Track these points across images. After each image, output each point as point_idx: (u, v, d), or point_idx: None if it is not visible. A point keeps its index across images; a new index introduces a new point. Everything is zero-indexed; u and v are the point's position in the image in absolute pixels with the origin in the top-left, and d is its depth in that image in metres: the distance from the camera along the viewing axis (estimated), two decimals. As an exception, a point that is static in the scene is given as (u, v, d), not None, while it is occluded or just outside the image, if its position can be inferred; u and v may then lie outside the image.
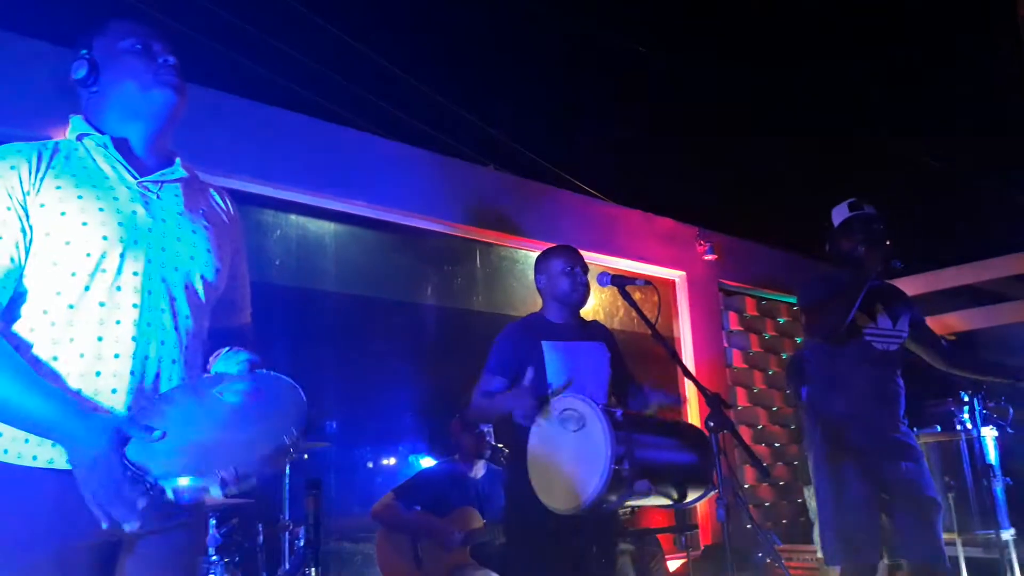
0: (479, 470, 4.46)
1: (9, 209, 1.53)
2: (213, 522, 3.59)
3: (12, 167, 1.56)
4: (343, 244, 5.26)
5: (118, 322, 1.55)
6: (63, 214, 1.55)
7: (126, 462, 1.41)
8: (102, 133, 1.69)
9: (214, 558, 3.59)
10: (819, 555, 4.80)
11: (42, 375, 1.50)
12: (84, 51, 1.72)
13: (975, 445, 4.48)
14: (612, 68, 10.16)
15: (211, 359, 1.71)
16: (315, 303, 5.04)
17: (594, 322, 3.29)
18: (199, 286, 1.69)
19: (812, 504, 4.81)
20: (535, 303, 3.28)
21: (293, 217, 5.01)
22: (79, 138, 1.69)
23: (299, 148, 4.81)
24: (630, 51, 9.50)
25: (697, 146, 10.53)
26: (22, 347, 1.52)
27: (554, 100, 9.88)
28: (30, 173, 1.57)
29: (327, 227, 5.18)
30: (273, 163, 4.62)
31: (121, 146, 1.69)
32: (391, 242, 5.53)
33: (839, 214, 3.38)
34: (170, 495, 1.38)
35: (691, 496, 2.70)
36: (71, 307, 1.54)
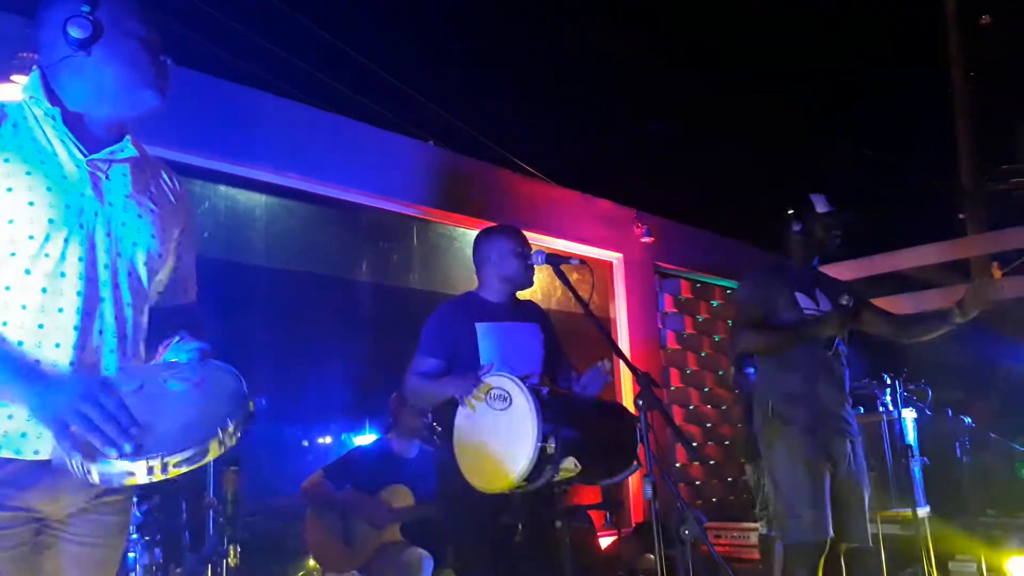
0: (412, 449, 4.43)
1: None
2: (135, 500, 3.50)
3: None
4: (274, 217, 5.13)
5: (60, 310, 1.51)
6: (9, 190, 1.49)
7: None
8: (53, 101, 1.60)
9: (134, 536, 3.51)
10: (762, 531, 4.88)
11: None
12: (87, 8, 1.58)
13: (895, 426, 4.62)
14: (556, 49, 10.14)
15: (161, 348, 1.69)
16: (245, 277, 4.91)
17: (529, 302, 3.28)
18: (142, 272, 1.65)
19: (754, 480, 4.89)
20: (472, 281, 3.24)
21: (222, 188, 4.87)
22: (29, 99, 1.60)
23: (229, 117, 4.68)
24: (574, 33, 9.49)
25: (636, 130, 10.60)
26: None
27: (496, 78, 9.81)
28: None
29: (257, 199, 5.05)
30: (202, 132, 4.47)
31: (72, 119, 1.61)
32: (324, 216, 5.42)
33: (821, 203, 3.38)
34: (95, 477, 1.36)
35: (617, 473, 2.72)
36: (7, 288, 1.49)
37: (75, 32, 1.57)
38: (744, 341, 3.35)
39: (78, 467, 1.37)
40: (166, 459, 1.37)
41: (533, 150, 7.64)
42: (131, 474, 1.36)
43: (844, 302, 3.23)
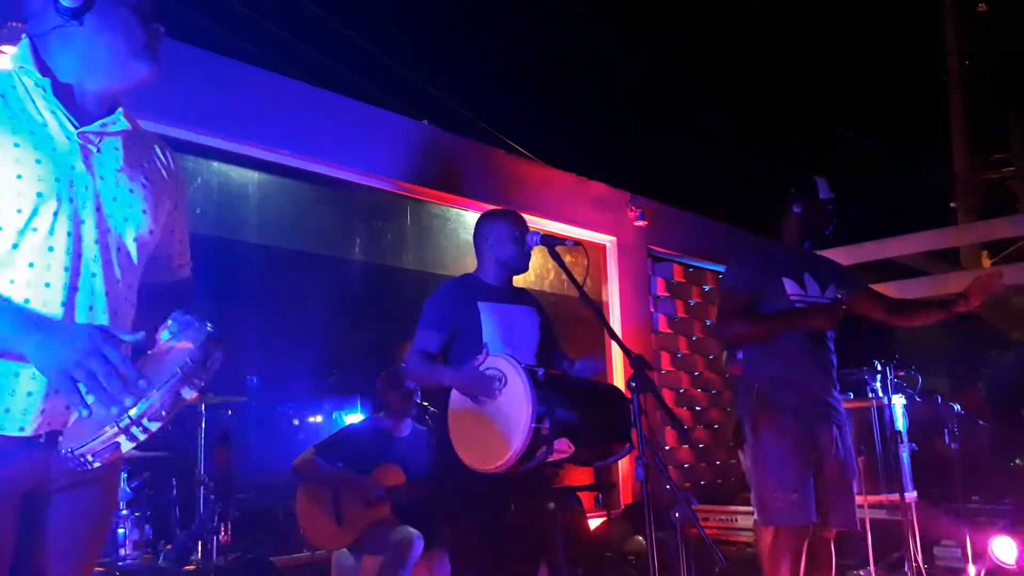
0: (404, 428, 4.43)
1: None
2: (124, 476, 3.50)
3: None
4: (267, 194, 5.10)
5: (47, 284, 1.49)
6: None
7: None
8: (44, 72, 1.56)
9: (124, 512, 3.51)
10: (756, 517, 4.88)
11: None
12: None
13: (885, 412, 4.64)
14: (550, 31, 10.09)
15: (160, 330, 1.66)
16: (236, 254, 4.88)
17: (525, 290, 3.30)
18: (132, 248, 1.62)
19: (747, 466, 4.88)
20: (465, 262, 3.25)
21: (215, 164, 4.83)
22: (19, 68, 1.56)
23: (223, 93, 4.62)
24: (569, 14, 9.44)
25: (631, 112, 10.58)
26: None
27: (491, 59, 9.76)
28: None
29: (250, 176, 5.01)
30: (195, 108, 4.42)
31: (62, 91, 1.57)
32: (318, 194, 5.39)
33: (824, 188, 3.31)
34: (90, 459, 1.35)
35: (610, 455, 2.73)
36: None
37: (66, 1, 1.53)
38: (731, 330, 3.32)
39: (68, 453, 1.36)
40: (142, 413, 1.34)
41: (528, 131, 7.63)
42: (116, 445, 1.34)
43: (837, 296, 3.21)
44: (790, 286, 3.23)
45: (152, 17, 1.63)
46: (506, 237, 3.07)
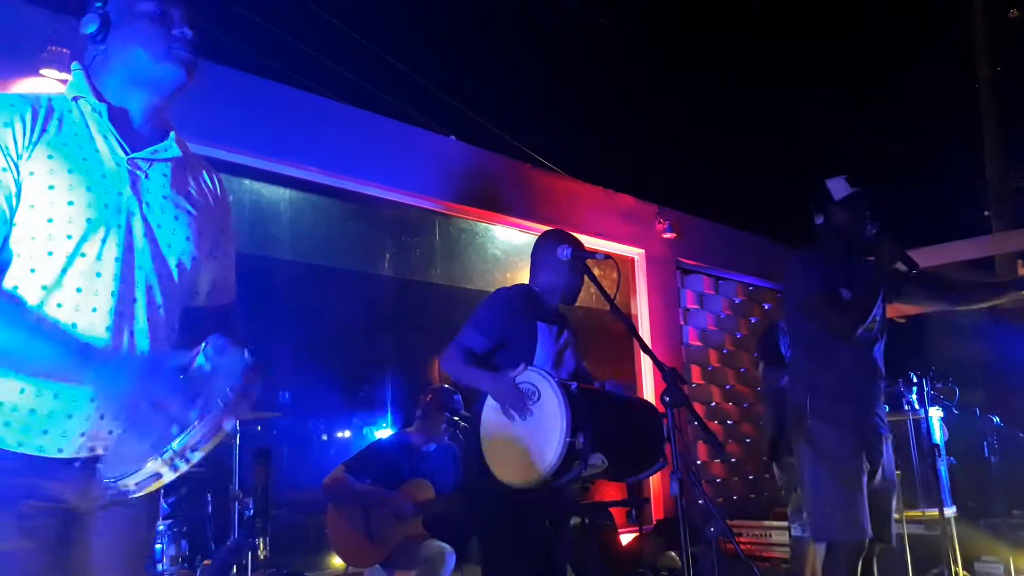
0: (431, 443, 4.43)
1: (5, 170, 1.47)
2: (161, 491, 3.53)
3: (5, 124, 1.49)
4: (298, 211, 5.16)
5: (94, 309, 1.52)
6: (51, 188, 1.49)
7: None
8: (100, 98, 1.61)
9: (161, 527, 3.54)
10: (795, 533, 4.78)
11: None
12: (99, 3, 1.62)
13: (922, 425, 4.56)
14: (576, 43, 10.12)
15: (196, 353, 1.65)
16: (268, 271, 4.93)
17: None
18: (175, 274, 1.65)
19: (784, 481, 4.76)
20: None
21: (247, 182, 4.90)
22: (75, 99, 1.61)
23: (254, 112, 4.69)
24: (594, 26, 9.46)
25: (658, 124, 10.56)
26: None
27: (518, 73, 9.80)
28: (24, 134, 1.50)
29: (282, 193, 5.07)
30: (227, 126, 4.49)
31: (117, 115, 1.62)
32: (347, 211, 5.44)
33: (839, 189, 3.14)
34: (132, 487, 1.40)
35: (643, 470, 2.71)
36: (44, 288, 1.49)
37: (87, 28, 1.61)
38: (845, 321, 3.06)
39: (111, 482, 1.40)
40: (183, 446, 1.36)
41: (555, 145, 7.64)
42: (157, 475, 1.38)
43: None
44: (847, 294, 3.12)
45: (175, 22, 1.65)
46: (574, 269, 2.95)
